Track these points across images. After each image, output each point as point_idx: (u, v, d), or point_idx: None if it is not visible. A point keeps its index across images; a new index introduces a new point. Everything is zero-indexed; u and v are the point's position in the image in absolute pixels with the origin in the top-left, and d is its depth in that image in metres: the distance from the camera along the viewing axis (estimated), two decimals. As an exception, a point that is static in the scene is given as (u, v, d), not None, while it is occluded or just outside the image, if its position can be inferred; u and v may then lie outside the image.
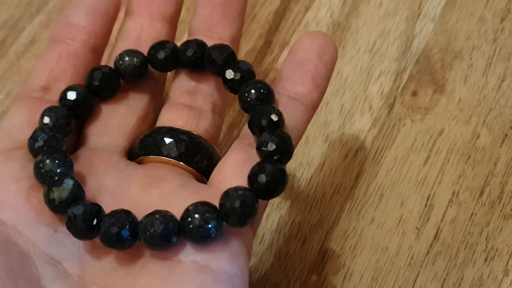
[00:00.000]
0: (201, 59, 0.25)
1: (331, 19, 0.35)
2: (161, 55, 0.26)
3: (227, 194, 0.22)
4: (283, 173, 0.22)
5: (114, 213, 0.21)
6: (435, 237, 0.30)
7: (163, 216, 0.21)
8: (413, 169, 0.31)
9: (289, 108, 0.24)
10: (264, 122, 0.23)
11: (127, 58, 0.25)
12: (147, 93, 0.27)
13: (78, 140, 0.26)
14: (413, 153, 0.32)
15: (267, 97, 0.24)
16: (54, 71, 0.26)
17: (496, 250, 0.29)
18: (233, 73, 0.25)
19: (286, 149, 0.23)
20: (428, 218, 0.30)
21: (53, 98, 0.25)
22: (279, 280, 0.29)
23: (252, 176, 0.22)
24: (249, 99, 0.24)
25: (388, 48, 0.34)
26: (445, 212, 0.30)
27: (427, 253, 0.29)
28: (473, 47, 0.34)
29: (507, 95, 0.33)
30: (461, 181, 0.31)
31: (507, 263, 0.29)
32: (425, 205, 0.30)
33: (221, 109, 0.27)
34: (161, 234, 0.21)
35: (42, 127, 0.23)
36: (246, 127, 0.25)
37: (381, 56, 0.34)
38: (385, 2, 0.36)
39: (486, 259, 0.29)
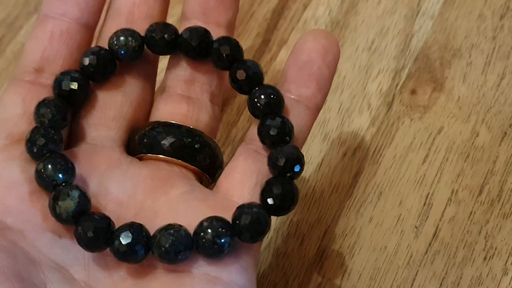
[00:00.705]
0: (205, 50, 0.25)
1: (329, 17, 0.35)
2: (163, 39, 0.25)
3: (241, 211, 0.22)
4: (296, 192, 0.22)
5: (128, 226, 0.21)
6: (434, 236, 0.30)
7: (177, 231, 0.21)
8: (412, 167, 0.31)
9: (294, 112, 0.24)
10: (276, 135, 0.23)
11: (122, 38, 0.24)
12: (142, 76, 0.26)
13: (73, 129, 0.25)
14: (412, 152, 0.32)
15: (277, 104, 0.24)
16: (47, 51, 0.24)
17: (495, 249, 0.29)
18: (244, 73, 0.24)
19: (299, 165, 0.23)
20: (427, 217, 0.30)
21: (47, 81, 0.24)
22: (277, 279, 0.29)
23: (265, 194, 0.22)
24: (258, 104, 0.24)
25: (386, 46, 0.34)
26: (444, 211, 0.30)
27: (426, 252, 0.29)
28: (472, 45, 0.34)
29: (506, 93, 0.33)
30: (460, 179, 0.31)
31: (506, 262, 0.29)
32: (424, 204, 0.30)
33: (219, 99, 0.26)
34: (176, 250, 0.21)
35: (38, 127, 0.23)
36: (250, 131, 0.25)
37: (379, 54, 0.34)
38: (383, 0, 0.36)
39: (485, 258, 0.29)
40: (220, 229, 0.21)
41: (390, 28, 0.35)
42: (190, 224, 0.22)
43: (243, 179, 0.23)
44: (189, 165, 0.24)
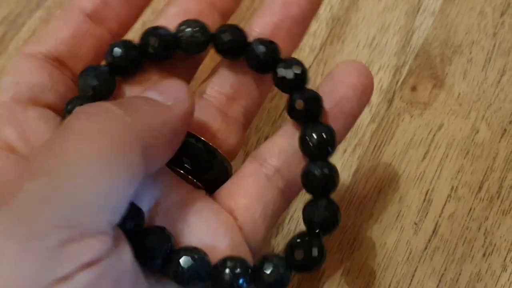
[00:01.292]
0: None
1: (330, 13, 0.35)
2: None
3: (264, 265, 0.21)
4: (323, 254, 0.22)
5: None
6: (433, 232, 0.30)
7: (202, 259, 0.21)
8: (412, 164, 0.31)
9: None
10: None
11: (188, 29, 0.24)
12: (173, 76, 0.25)
13: None
14: (412, 148, 0.32)
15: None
16: (75, 47, 0.24)
17: (495, 245, 0.29)
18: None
19: (332, 223, 0.23)
20: (427, 213, 0.30)
21: (70, 72, 0.24)
22: (277, 275, 0.29)
23: (292, 251, 0.22)
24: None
25: (387, 42, 0.34)
26: (443, 207, 0.30)
27: (425, 248, 0.29)
28: (472, 41, 0.34)
29: (507, 90, 0.33)
30: (460, 176, 0.31)
31: (505, 258, 0.29)
32: (424, 200, 0.30)
33: (252, 117, 0.26)
34: (191, 276, 0.21)
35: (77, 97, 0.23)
36: (264, 149, 0.25)
37: (380, 50, 0.34)
38: (384, -4, 0.36)
39: (484, 254, 0.29)
40: (239, 271, 0.21)
41: (391, 25, 0.35)
42: (200, 238, 0.22)
43: (249, 206, 0.23)
44: (194, 182, 0.24)
